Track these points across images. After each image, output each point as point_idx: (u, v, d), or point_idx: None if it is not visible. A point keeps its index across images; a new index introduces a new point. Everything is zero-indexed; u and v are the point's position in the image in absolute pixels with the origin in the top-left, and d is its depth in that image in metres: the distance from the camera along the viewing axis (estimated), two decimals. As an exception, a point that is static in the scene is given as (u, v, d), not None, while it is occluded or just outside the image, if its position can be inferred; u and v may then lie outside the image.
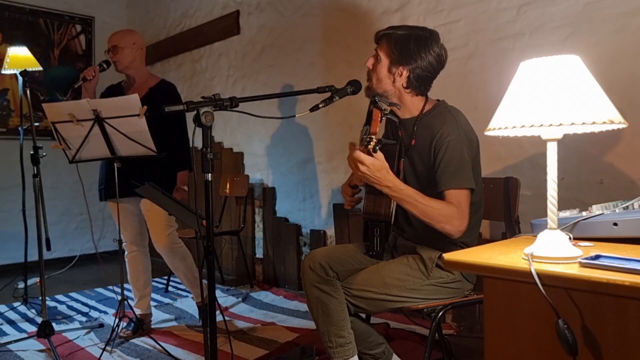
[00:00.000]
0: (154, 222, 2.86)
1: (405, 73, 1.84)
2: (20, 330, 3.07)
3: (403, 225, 1.98)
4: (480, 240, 2.50)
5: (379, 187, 1.70)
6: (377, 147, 1.66)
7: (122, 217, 2.80)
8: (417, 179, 1.88)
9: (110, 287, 3.95)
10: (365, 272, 1.89)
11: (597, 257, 1.13)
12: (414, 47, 1.82)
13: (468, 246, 1.82)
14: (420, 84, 1.86)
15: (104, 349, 2.62)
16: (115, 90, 2.99)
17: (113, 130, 2.46)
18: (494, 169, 2.67)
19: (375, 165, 1.65)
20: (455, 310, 2.82)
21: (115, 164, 2.59)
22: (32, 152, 2.79)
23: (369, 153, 1.66)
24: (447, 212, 1.68)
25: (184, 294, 3.80)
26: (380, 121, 1.70)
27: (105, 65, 2.86)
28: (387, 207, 1.82)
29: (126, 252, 2.98)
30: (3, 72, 3.69)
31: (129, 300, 2.87)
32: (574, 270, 1.09)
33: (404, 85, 1.86)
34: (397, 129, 1.97)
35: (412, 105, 1.91)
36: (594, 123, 1.17)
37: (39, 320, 2.85)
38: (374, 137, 1.65)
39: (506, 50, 2.65)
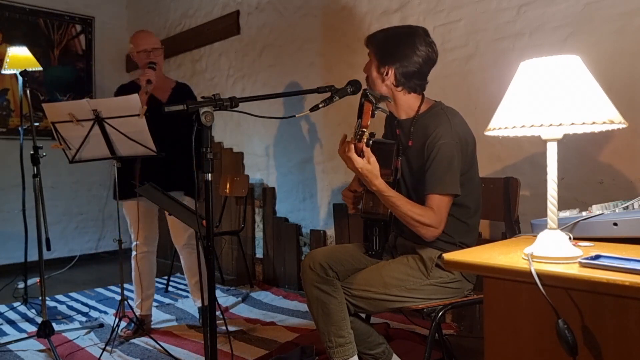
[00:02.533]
0: (177, 220, 2.82)
1: (391, 72, 1.88)
2: (20, 330, 3.07)
3: (403, 224, 1.98)
4: (480, 240, 2.50)
5: (367, 186, 1.78)
6: (370, 141, 1.69)
7: (140, 217, 2.78)
8: (412, 179, 1.90)
9: (111, 287, 3.95)
10: (365, 272, 1.90)
11: (597, 257, 1.13)
12: (393, 47, 1.86)
13: (468, 247, 1.83)
14: (408, 80, 1.88)
15: (104, 349, 2.62)
16: (131, 90, 2.80)
17: (113, 130, 2.46)
18: (494, 169, 2.67)
19: (363, 170, 1.72)
20: (455, 310, 2.82)
21: (115, 164, 2.59)
22: (32, 152, 2.79)
23: (359, 152, 1.70)
24: (425, 218, 1.74)
25: (184, 294, 3.80)
26: (372, 115, 1.71)
27: (155, 67, 2.81)
28: (386, 207, 1.83)
29: (135, 253, 2.95)
30: (3, 72, 3.69)
31: (129, 300, 2.87)
32: (574, 270, 1.09)
33: (394, 83, 1.89)
34: (395, 127, 1.98)
35: (406, 105, 1.92)
36: (594, 123, 1.17)
37: (39, 320, 2.85)
38: (365, 130, 1.67)
39: (506, 50, 2.65)
